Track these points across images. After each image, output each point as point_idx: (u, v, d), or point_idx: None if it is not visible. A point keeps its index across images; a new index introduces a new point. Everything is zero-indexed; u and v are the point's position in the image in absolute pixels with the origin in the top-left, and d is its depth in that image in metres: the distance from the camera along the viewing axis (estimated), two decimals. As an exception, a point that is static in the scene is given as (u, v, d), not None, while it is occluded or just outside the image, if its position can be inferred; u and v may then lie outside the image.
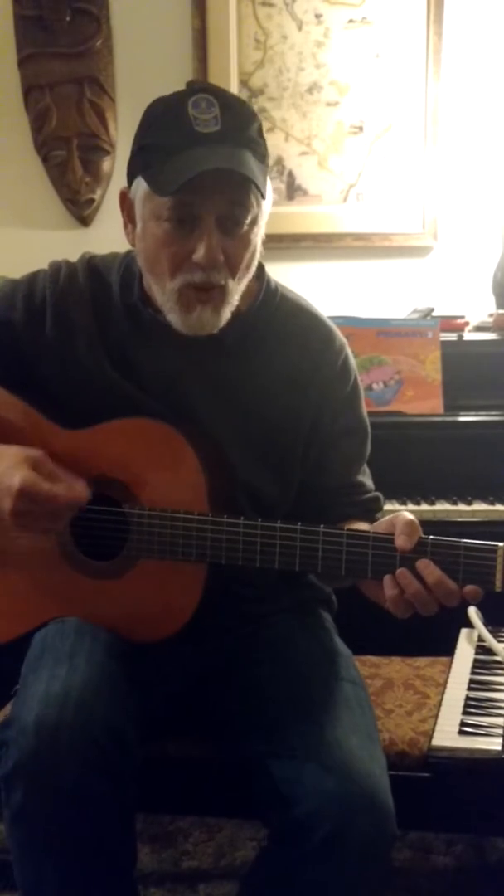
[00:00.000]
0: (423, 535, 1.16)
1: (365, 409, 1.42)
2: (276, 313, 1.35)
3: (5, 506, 1.19)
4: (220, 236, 1.19)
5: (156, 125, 1.21)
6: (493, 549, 1.14)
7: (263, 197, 1.21)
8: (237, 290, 1.24)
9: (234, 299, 1.25)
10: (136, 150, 1.24)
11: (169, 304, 1.24)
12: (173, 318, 1.25)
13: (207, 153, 1.15)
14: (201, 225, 1.19)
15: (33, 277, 1.36)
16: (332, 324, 1.40)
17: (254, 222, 1.22)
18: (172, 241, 1.20)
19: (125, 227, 1.29)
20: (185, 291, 1.22)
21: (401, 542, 1.15)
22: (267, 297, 1.35)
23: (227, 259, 1.20)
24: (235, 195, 1.19)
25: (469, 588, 1.15)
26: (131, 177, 1.25)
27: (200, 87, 1.22)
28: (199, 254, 1.18)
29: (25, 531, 1.24)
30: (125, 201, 1.27)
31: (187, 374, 1.31)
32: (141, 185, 1.22)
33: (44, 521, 1.22)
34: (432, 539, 1.16)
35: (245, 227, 1.21)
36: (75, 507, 1.23)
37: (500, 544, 1.15)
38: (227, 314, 1.24)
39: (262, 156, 1.21)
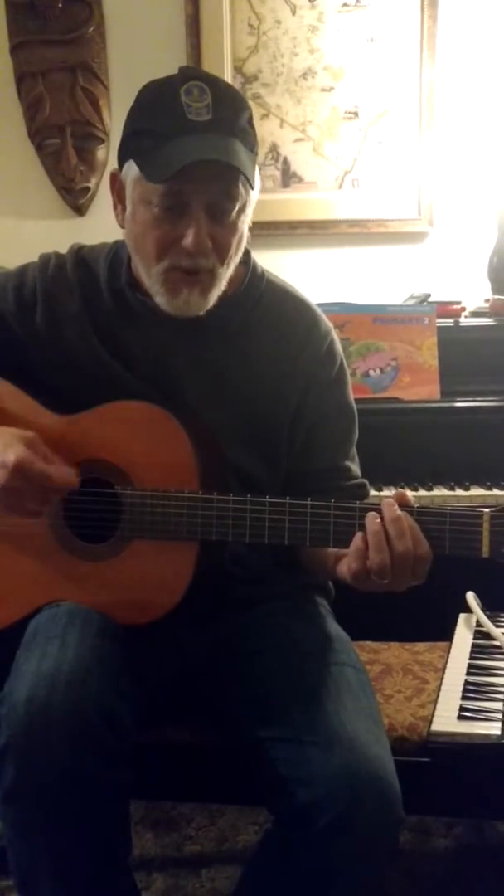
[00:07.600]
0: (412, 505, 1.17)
1: (352, 394, 1.43)
2: (261, 298, 1.37)
3: None
4: (208, 223, 1.21)
5: (148, 110, 1.23)
6: (479, 515, 1.15)
7: (252, 187, 1.23)
8: (225, 275, 1.27)
9: (223, 284, 1.27)
10: (128, 133, 1.25)
11: (156, 287, 1.26)
12: (160, 299, 1.27)
13: (198, 142, 1.17)
14: (190, 212, 1.20)
15: (23, 269, 1.39)
16: (317, 308, 1.41)
17: (241, 210, 1.24)
18: (160, 226, 1.22)
19: (114, 207, 1.30)
20: (172, 274, 1.24)
21: (386, 499, 1.18)
22: (252, 282, 1.37)
23: (215, 245, 1.23)
24: (224, 185, 1.20)
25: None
26: (122, 159, 1.26)
27: (194, 73, 1.22)
28: (188, 240, 1.21)
29: (11, 511, 1.24)
30: (115, 183, 1.29)
31: (174, 356, 1.33)
32: (132, 168, 1.23)
33: (32, 501, 1.23)
34: (418, 507, 1.17)
35: (233, 216, 1.23)
36: (65, 491, 1.24)
37: (486, 510, 1.15)
38: (214, 297, 1.27)
39: (251, 145, 1.23)
